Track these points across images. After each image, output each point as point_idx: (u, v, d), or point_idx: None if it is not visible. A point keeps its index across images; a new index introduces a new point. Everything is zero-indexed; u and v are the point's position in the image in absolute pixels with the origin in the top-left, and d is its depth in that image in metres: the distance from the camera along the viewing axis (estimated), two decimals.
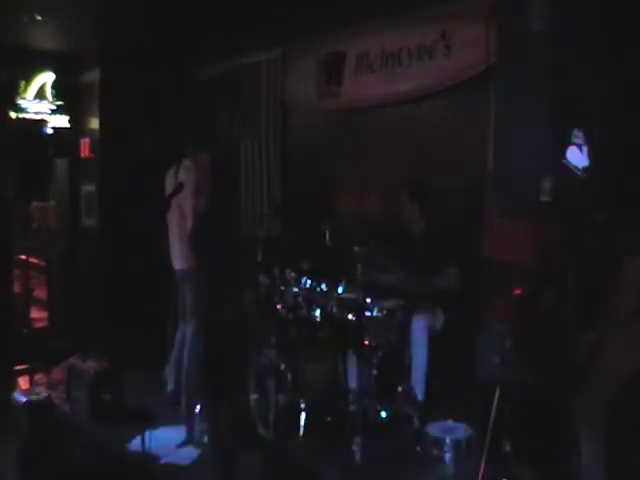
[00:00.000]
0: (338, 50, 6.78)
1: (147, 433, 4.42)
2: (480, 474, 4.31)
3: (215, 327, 4.67)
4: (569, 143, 4.54)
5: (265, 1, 6.32)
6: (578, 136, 4.49)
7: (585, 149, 4.47)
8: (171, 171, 6.20)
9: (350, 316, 5.08)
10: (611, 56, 4.44)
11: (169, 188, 5.92)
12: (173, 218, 5.86)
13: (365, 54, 6.50)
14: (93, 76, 8.42)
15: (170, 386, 6.14)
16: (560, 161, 4.58)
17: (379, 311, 5.05)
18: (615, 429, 3.92)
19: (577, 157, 4.51)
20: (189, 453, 5.11)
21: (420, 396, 5.17)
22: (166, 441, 5.24)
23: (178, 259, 6.00)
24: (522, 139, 4.99)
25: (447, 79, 5.73)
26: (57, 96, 8.45)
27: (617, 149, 4.45)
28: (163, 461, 4.97)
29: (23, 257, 8.00)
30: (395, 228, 5.85)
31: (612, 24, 4.42)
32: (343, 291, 5.23)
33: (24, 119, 8.20)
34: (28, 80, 8.22)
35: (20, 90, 8.17)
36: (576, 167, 4.51)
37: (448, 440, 4.78)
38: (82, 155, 8.68)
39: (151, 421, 5.26)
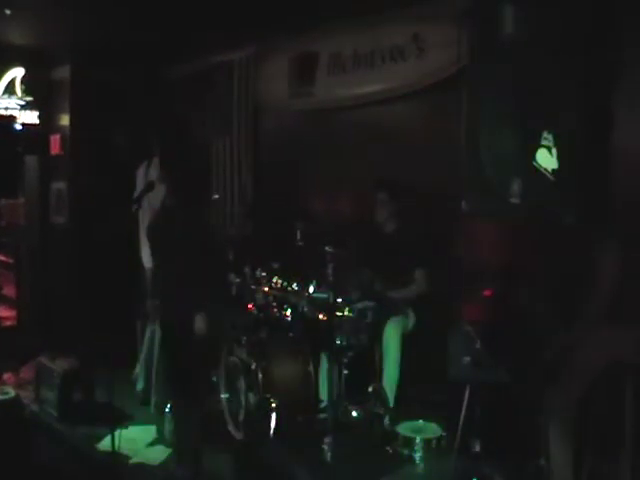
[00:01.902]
0: (311, 50, 6.78)
1: (117, 432, 4.39)
2: (450, 473, 4.35)
3: (183, 326, 4.64)
4: (539, 145, 4.60)
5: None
6: (547, 138, 4.55)
7: (554, 151, 4.53)
8: (141, 169, 6.16)
9: (321, 316, 5.09)
10: (580, 58, 4.49)
11: (140, 186, 5.89)
12: (144, 216, 5.83)
13: (337, 54, 6.50)
14: (64, 72, 8.35)
15: (140, 385, 6.12)
16: (530, 163, 4.64)
17: (350, 311, 5.06)
18: (584, 429, 3.97)
19: (546, 159, 4.57)
20: (159, 452, 5.09)
21: (391, 396, 5.19)
22: (136, 440, 5.23)
23: (148, 257, 5.96)
24: (492, 140, 5.04)
25: (419, 80, 5.75)
26: (27, 92, 8.34)
27: (586, 151, 4.51)
28: (133, 461, 4.95)
29: None
30: (367, 228, 5.87)
31: (581, 26, 4.48)
32: (314, 291, 5.24)
33: None
34: None
35: None
36: (545, 169, 4.57)
37: (418, 440, 4.81)
38: (52, 152, 8.60)
39: (121, 420, 5.25)
